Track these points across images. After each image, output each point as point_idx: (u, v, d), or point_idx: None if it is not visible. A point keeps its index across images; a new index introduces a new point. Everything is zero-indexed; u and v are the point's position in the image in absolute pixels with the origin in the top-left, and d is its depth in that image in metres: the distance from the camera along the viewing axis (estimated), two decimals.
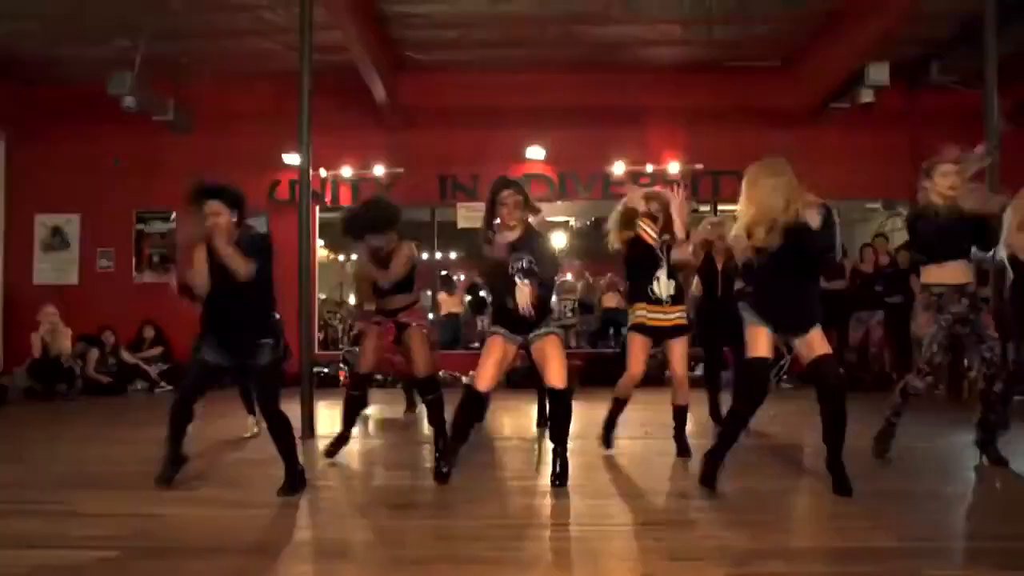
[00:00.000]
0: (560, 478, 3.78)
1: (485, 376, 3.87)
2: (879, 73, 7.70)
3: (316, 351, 9.38)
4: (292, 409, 4.39)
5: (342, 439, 4.67)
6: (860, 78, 7.91)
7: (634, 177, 9.21)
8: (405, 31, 8.43)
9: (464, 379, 8.52)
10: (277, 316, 3.87)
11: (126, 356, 8.70)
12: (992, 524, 3.14)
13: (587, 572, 2.61)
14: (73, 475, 4.24)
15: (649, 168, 9.21)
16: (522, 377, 8.40)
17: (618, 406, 4.68)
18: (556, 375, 3.85)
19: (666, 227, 4.41)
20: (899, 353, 8.21)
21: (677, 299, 4.44)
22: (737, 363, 5.54)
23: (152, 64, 8.37)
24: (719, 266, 5.64)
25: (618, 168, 9.28)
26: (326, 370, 8.85)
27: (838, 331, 8.27)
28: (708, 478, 3.57)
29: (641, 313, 4.42)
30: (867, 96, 7.96)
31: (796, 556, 2.69)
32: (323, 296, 11.47)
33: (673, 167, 9.18)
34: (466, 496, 3.65)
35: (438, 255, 10.46)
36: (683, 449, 4.53)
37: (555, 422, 3.95)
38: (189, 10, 7.71)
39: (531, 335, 3.91)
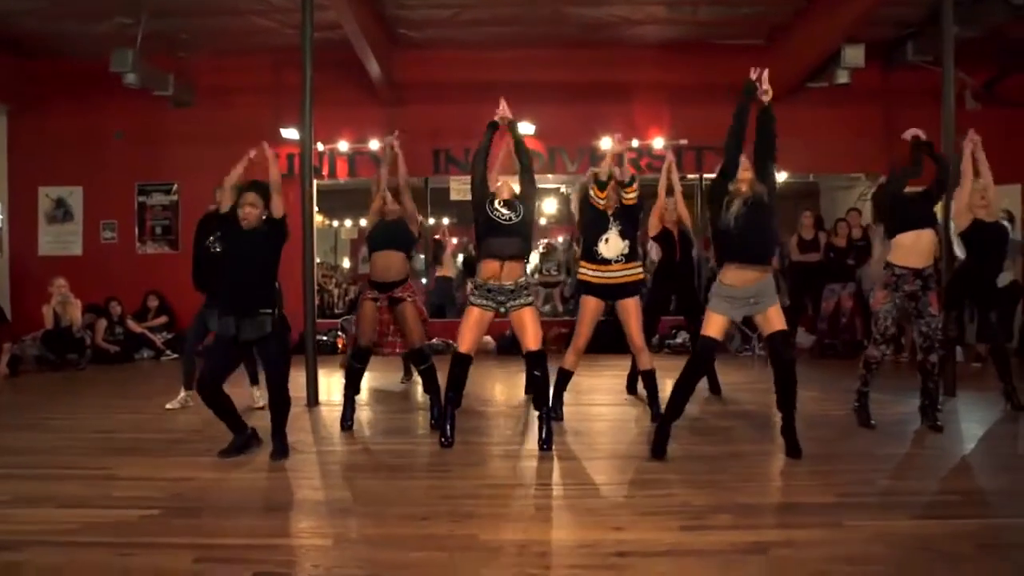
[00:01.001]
0: (546, 443, 4.23)
1: (465, 339, 4.36)
2: (855, 56, 8.00)
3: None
4: (296, 378, 4.83)
5: (352, 406, 5.03)
6: (837, 59, 8.21)
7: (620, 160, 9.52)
8: (399, 10, 8.64)
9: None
10: (276, 285, 4.23)
11: (132, 325, 9.06)
12: (913, 481, 3.60)
13: (565, 525, 3.05)
14: (102, 441, 4.65)
15: (635, 143, 9.51)
16: (511, 343, 8.89)
17: (563, 377, 5.07)
18: (532, 339, 4.34)
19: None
20: (866, 321, 8.70)
21: (629, 258, 4.81)
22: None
23: (153, 40, 8.58)
24: (675, 233, 6.08)
25: (605, 143, 9.58)
26: (324, 338, 9.24)
27: (812, 302, 8.73)
28: (658, 449, 3.96)
29: (583, 271, 4.87)
30: (843, 77, 8.28)
31: (744, 511, 3.13)
32: (318, 260, 11.79)
33: (658, 142, 9.50)
34: (461, 460, 4.09)
35: (431, 220, 10.76)
36: (656, 415, 4.88)
37: (535, 385, 4.37)
38: None
39: (509, 305, 4.34)
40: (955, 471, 3.77)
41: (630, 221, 4.86)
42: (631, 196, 4.79)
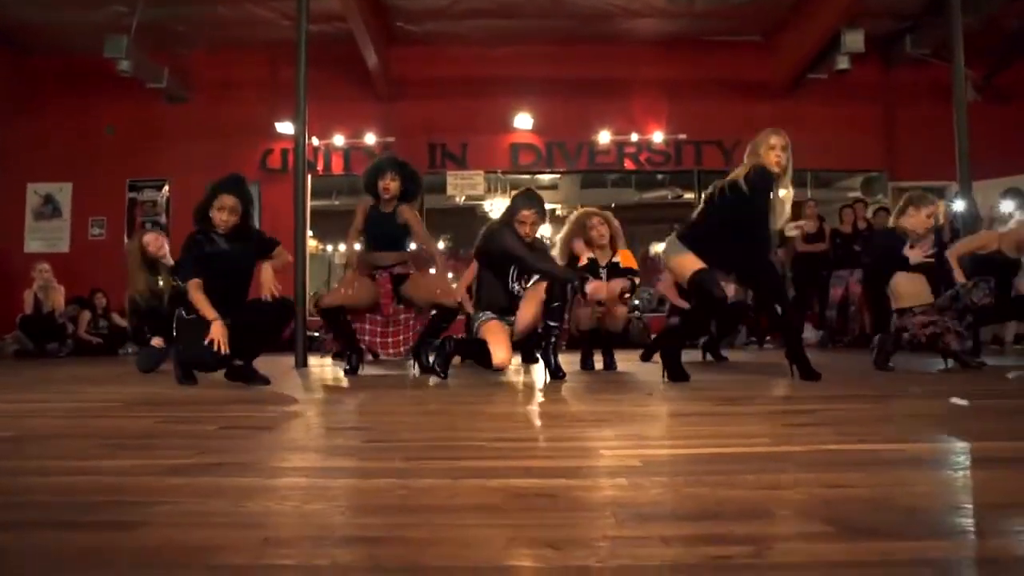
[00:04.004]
0: (555, 373, 3.98)
1: (505, 353, 3.96)
2: (854, 40, 7.98)
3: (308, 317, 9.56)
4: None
5: (357, 352, 4.66)
6: (836, 46, 8.18)
7: (619, 146, 9.48)
8: (397, 1, 8.64)
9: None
10: None
11: (118, 319, 8.74)
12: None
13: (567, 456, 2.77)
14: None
15: (634, 137, 9.43)
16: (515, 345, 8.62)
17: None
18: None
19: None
20: (876, 314, 8.46)
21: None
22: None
23: (147, 32, 8.52)
24: None
25: (603, 137, 9.50)
26: (316, 334, 8.93)
27: (819, 291, 8.51)
28: (675, 374, 3.71)
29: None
30: (843, 63, 8.23)
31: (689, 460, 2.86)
32: (312, 292, 11.28)
33: (657, 136, 9.41)
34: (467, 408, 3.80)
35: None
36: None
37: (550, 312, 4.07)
38: None
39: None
40: None
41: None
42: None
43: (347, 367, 4.61)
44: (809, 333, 8.84)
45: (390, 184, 4.52)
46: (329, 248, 13.23)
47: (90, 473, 1.63)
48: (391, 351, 4.73)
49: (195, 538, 1.09)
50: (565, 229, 4.98)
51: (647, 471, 1.51)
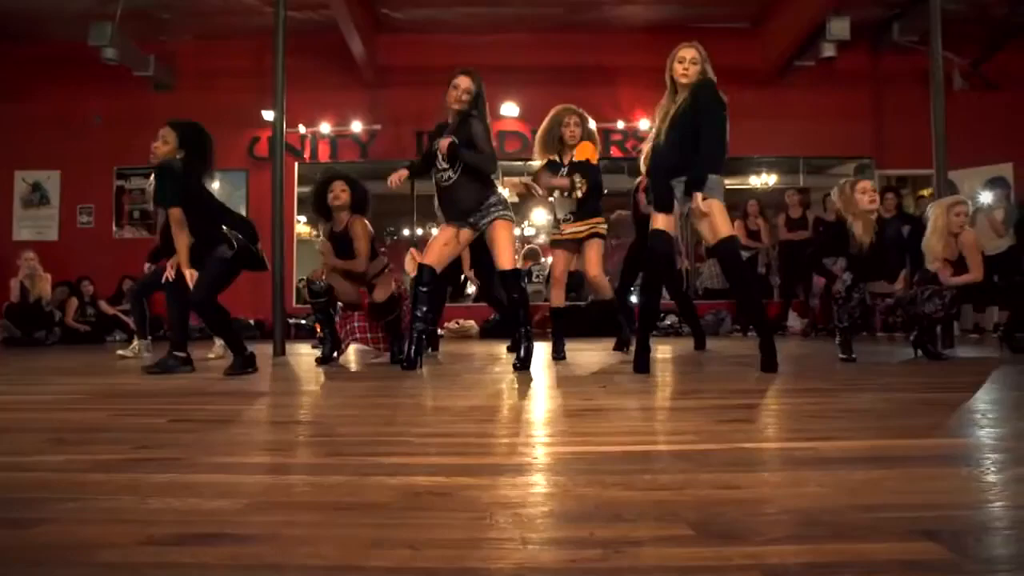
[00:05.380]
0: (524, 362, 3.99)
1: (431, 252, 4.12)
2: (840, 27, 7.94)
3: (293, 304, 9.62)
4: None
5: (330, 340, 4.85)
6: (822, 33, 8.15)
7: (606, 134, 9.46)
8: None
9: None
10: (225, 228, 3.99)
11: (105, 307, 8.80)
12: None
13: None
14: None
15: (620, 125, 9.42)
16: (494, 327, 8.67)
17: (555, 318, 5.05)
18: (505, 259, 4.07)
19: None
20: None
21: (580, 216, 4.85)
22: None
23: (133, 19, 8.49)
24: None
25: (590, 126, 9.47)
26: (304, 321, 9.00)
27: (803, 281, 8.52)
28: (640, 365, 3.76)
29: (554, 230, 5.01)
30: (829, 50, 8.21)
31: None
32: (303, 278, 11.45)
33: (644, 124, 9.39)
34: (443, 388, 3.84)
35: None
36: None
37: (513, 306, 4.14)
38: None
39: (481, 221, 4.10)
40: None
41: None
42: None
43: (320, 356, 4.70)
44: (794, 321, 8.89)
45: (340, 194, 4.72)
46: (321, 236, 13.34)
47: (24, 469, 1.66)
48: (380, 346, 5.02)
49: (83, 536, 1.13)
50: (544, 124, 5.00)
51: (552, 469, 1.55)
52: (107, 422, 2.36)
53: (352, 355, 5.60)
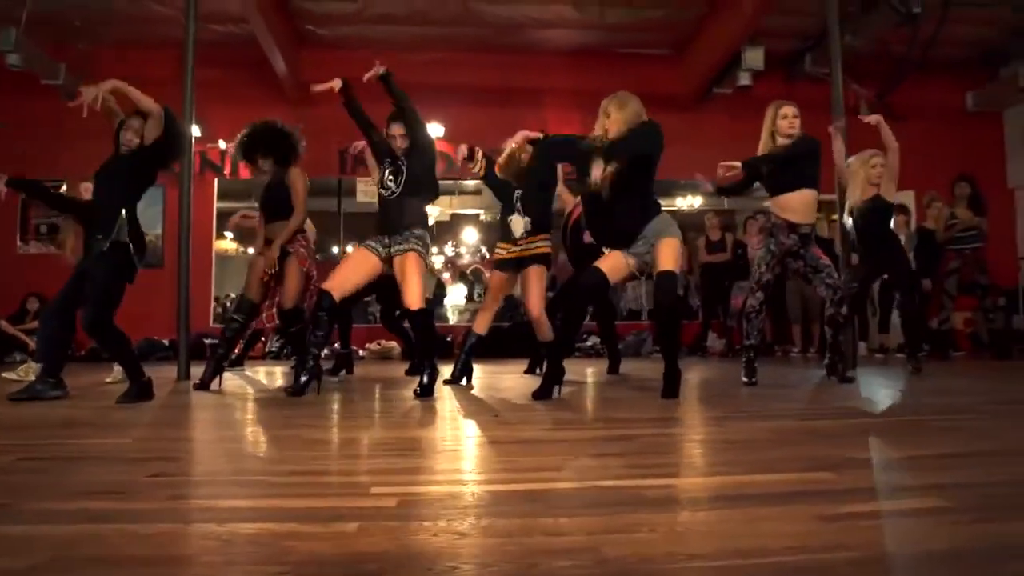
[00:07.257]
0: (425, 390, 3.92)
1: (335, 276, 4.08)
2: (755, 57, 8.21)
3: (211, 323, 9.33)
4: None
5: (217, 368, 4.59)
6: (739, 62, 8.41)
7: None
8: (304, 2, 8.50)
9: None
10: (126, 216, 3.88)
11: (5, 326, 8.35)
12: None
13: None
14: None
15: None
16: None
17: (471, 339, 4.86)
18: (412, 297, 4.03)
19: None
20: (777, 324, 8.74)
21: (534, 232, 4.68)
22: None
23: (42, 25, 8.15)
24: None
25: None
26: (217, 342, 8.71)
27: (721, 304, 8.73)
28: (543, 392, 3.75)
29: (498, 251, 4.81)
30: (744, 79, 8.47)
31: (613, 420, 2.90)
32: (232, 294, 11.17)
33: None
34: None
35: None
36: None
37: (418, 341, 4.11)
38: None
39: (393, 249, 4.06)
40: None
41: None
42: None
43: (200, 383, 4.52)
44: (713, 342, 9.07)
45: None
46: (250, 251, 12.91)
47: None
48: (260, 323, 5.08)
49: None
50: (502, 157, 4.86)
51: (381, 515, 1.49)
52: None
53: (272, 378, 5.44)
